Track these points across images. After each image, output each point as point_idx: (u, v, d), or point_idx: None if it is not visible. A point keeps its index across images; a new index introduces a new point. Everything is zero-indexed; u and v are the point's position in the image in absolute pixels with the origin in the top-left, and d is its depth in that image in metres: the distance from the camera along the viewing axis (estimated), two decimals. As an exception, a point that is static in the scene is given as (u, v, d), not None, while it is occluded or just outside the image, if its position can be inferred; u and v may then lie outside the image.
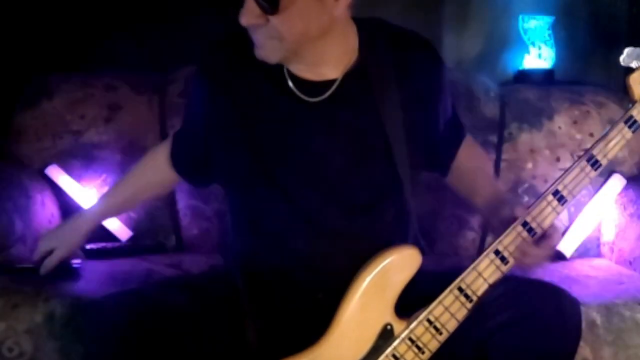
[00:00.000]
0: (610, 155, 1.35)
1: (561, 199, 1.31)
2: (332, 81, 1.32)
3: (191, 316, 1.26)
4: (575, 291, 1.77)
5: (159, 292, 1.30)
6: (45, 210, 2.05)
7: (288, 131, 1.33)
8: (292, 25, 1.23)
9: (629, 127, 1.36)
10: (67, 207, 2.13)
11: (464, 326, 1.26)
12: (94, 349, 1.24)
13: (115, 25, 2.40)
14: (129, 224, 2.16)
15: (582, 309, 1.62)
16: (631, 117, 1.36)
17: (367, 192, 1.34)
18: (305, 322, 1.29)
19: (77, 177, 2.15)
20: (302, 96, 1.32)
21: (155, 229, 2.18)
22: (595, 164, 1.34)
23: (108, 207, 1.63)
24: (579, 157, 1.36)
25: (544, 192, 1.32)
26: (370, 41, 1.34)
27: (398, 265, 1.29)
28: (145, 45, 2.37)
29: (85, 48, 2.37)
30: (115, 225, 2.14)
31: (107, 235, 2.13)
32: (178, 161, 1.55)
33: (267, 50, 1.27)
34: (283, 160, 1.33)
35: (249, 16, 1.22)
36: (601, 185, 2.15)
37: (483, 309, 1.26)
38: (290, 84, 1.32)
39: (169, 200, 2.18)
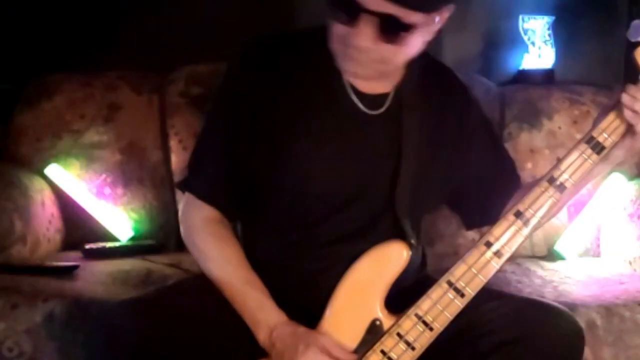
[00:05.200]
0: (614, 136, 1.24)
1: (559, 187, 1.23)
2: (384, 95, 1.31)
3: (201, 320, 1.24)
4: (575, 291, 1.79)
5: (167, 299, 1.28)
6: (45, 210, 2.05)
7: (340, 140, 1.30)
8: (403, 54, 1.21)
9: None
10: (67, 207, 2.14)
11: (461, 344, 1.24)
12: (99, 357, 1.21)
13: (115, 25, 2.40)
14: (129, 224, 2.16)
15: (582, 310, 1.64)
16: None
17: (371, 211, 1.31)
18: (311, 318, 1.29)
19: (77, 177, 2.15)
20: (363, 108, 1.30)
21: (155, 229, 2.18)
22: (596, 146, 1.24)
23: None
24: (579, 141, 1.26)
25: (539, 179, 1.24)
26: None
27: (383, 261, 1.28)
28: (145, 45, 2.36)
29: (85, 48, 2.36)
30: (115, 225, 2.14)
31: (107, 235, 2.13)
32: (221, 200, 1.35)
33: (361, 67, 1.23)
34: (322, 170, 1.30)
35: (366, 40, 1.17)
36: (601, 185, 2.16)
37: (480, 328, 1.23)
38: (353, 96, 1.30)
39: (169, 200, 2.18)
